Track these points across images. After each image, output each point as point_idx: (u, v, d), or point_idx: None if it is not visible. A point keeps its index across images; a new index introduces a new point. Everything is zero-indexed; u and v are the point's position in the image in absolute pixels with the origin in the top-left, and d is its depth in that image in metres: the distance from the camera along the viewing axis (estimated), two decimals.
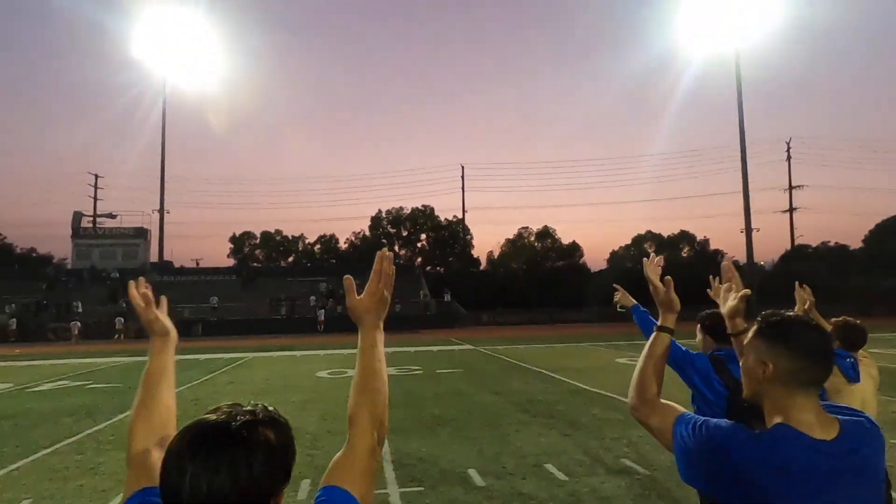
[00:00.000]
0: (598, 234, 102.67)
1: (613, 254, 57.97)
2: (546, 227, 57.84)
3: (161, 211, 51.57)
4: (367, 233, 61.09)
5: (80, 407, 10.58)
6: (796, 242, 56.86)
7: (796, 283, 3.42)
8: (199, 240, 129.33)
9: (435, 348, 22.80)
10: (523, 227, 58.94)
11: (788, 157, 57.01)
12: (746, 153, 47.12)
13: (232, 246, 63.42)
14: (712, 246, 59.27)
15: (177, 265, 54.08)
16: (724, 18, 45.32)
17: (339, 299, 43.02)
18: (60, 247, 73.01)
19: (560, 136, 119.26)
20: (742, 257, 47.33)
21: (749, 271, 45.07)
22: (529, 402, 9.91)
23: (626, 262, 51.43)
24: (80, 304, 39.30)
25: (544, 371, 14.28)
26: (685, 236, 57.06)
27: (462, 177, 58.52)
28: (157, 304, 1.59)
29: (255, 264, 60.62)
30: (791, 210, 56.34)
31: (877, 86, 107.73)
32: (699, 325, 2.98)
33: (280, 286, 45.90)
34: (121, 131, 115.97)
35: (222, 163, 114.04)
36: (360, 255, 58.34)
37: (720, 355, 2.69)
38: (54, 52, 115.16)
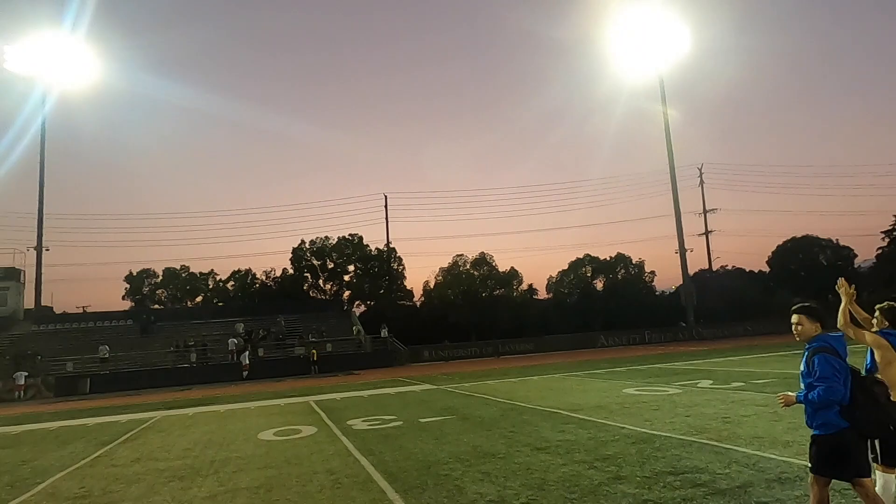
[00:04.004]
0: (536, 261, 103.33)
1: (551, 279, 56.73)
2: (482, 253, 55.66)
3: (39, 248, 44.13)
4: (289, 266, 55.82)
5: None
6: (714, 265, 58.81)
7: (839, 279, 4.41)
8: (88, 283, 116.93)
9: (391, 391, 19.17)
10: (458, 255, 56.31)
11: (701, 183, 59.32)
12: (676, 177, 47.75)
13: (128, 286, 55.73)
14: (647, 268, 60.67)
15: (58, 311, 46.44)
16: (647, 43, 46.09)
17: (259, 341, 37.99)
18: None
19: (497, 163, 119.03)
20: (676, 276, 47.69)
21: (685, 291, 45.24)
22: (605, 462, 6.80)
23: (562, 289, 50.13)
24: None
25: (562, 411, 11.27)
26: (622, 259, 57.20)
27: (385, 206, 55.67)
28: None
29: (156, 306, 53.52)
30: (707, 233, 58.17)
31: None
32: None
33: (187, 330, 40.15)
34: None
35: (116, 197, 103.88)
36: (281, 290, 53.00)
37: None
38: None
